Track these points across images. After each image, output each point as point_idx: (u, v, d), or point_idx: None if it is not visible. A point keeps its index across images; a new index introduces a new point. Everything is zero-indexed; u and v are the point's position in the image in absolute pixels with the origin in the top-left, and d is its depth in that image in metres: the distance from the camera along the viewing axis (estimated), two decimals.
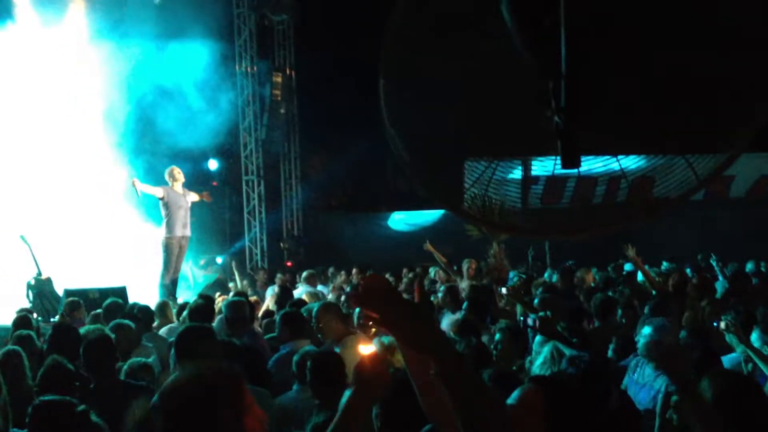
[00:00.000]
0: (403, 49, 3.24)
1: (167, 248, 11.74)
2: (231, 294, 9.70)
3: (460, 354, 2.42)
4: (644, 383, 4.34)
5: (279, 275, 12.89)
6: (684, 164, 2.87)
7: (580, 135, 2.96)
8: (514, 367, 4.77)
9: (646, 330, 4.27)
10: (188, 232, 11.92)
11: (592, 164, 3.18)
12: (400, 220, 18.69)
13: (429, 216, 17.92)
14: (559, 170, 3.43)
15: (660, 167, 3.11)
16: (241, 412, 2.08)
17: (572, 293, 8.66)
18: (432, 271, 12.34)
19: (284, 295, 8.92)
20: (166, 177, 11.88)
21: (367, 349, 2.35)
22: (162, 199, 11.66)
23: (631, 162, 3.15)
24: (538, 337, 5.10)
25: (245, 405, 2.10)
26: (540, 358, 4.05)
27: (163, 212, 11.78)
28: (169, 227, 11.71)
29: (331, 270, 13.38)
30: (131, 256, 13.17)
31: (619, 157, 3.13)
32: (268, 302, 9.41)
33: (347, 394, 2.34)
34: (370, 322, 2.20)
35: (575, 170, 3.38)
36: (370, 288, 1.96)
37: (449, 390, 1.89)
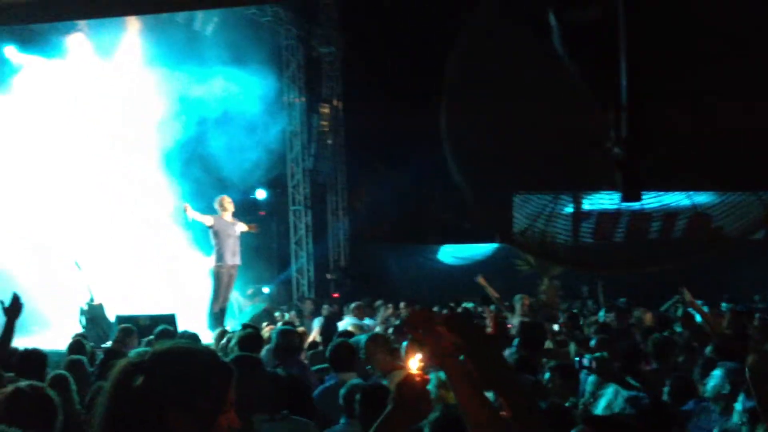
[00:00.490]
0: (462, 81, 3.25)
1: (217, 277, 11.82)
2: (278, 324, 9.70)
3: (529, 392, 2.40)
4: (709, 429, 4.19)
5: (326, 306, 12.87)
6: (756, 201, 2.80)
7: (641, 167, 2.89)
8: (567, 404, 4.66)
9: (718, 372, 4.14)
10: (238, 261, 11.98)
11: (659, 199, 3.11)
12: (449, 253, 18.60)
13: (477, 250, 17.80)
14: (619, 204, 3.37)
15: (725, 203, 3.03)
16: (218, 406, 2.03)
17: (628, 333, 8.44)
18: (469, 306, 12.25)
19: (330, 327, 8.90)
20: (216, 206, 11.99)
21: (414, 364, 2.32)
22: (211, 227, 11.76)
23: (699, 198, 3.08)
24: (591, 378, 4.97)
25: (225, 402, 2.06)
26: (602, 401, 3.94)
27: (213, 241, 11.88)
28: (219, 256, 11.79)
29: (378, 302, 13.36)
30: (180, 283, 13.31)
31: (690, 193, 3.07)
32: (315, 333, 9.41)
33: (386, 411, 2.30)
34: (417, 355, 2.20)
35: (637, 204, 3.31)
36: (452, 314, 2.02)
37: (517, 427, 1.86)
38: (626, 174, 2.90)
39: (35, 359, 5.73)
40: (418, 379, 2.29)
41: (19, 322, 12.58)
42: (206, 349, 2.22)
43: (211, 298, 11.79)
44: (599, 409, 3.97)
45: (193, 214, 11.66)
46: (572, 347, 6.67)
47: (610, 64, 2.70)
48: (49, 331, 12.36)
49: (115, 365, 2.01)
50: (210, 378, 2.04)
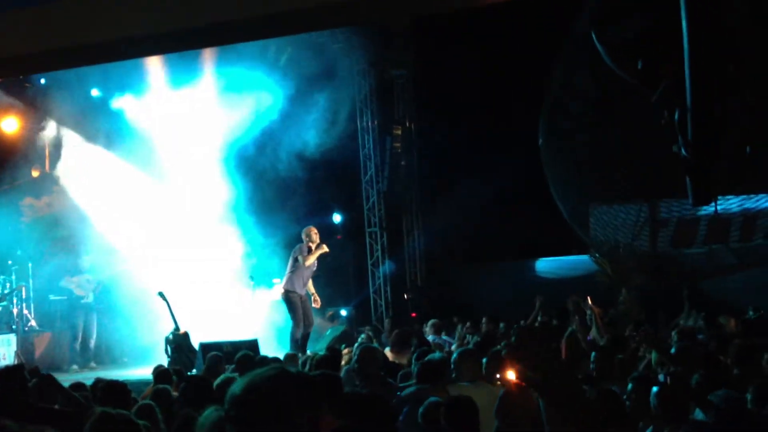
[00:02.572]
0: (554, 111, 3.32)
1: (290, 301, 11.97)
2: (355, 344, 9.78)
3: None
4: None
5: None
6: None
7: (711, 170, 2.81)
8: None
9: None
10: (304, 292, 12.16)
11: (740, 204, 3.06)
12: (525, 269, 18.30)
13: (554, 264, 17.54)
14: (696, 210, 3.33)
15: None
16: (314, 412, 2.07)
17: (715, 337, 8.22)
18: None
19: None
20: (303, 236, 12.22)
21: (512, 375, 2.34)
22: (295, 256, 12.01)
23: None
24: None
25: (317, 407, 2.10)
26: None
27: (290, 266, 12.07)
28: (290, 282, 11.98)
29: (455, 319, 13.33)
30: (261, 310, 13.58)
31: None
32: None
33: (494, 428, 2.31)
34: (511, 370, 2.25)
35: (710, 208, 3.26)
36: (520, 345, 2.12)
37: None
38: (695, 177, 2.83)
39: (118, 391, 5.91)
40: (519, 391, 2.30)
41: (112, 354, 13.07)
42: (278, 371, 2.26)
43: (293, 324, 11.95)
44: None
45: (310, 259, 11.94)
46: (654, 356, 6.48)
47: (667, 69, 2.67)
48: (139, 360, 12.81)
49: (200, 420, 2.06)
50: (296, 393, 2.10)
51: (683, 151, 2.87)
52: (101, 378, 7.04)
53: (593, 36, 2.73)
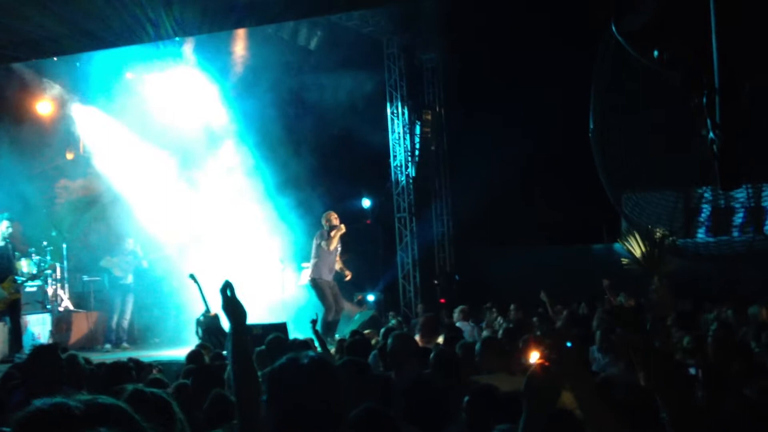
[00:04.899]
0: (602, 107, 3.32)
1: (318, 288, 12.02)
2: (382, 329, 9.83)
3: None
4: None
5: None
6: None
7: (738, 153, 2.76)
8: None
9: None
10: (331, 278, 12.20)
11: None
12: (555, 255, 18.21)
13: (584, 251, 17.43)
14: (730, 199, 3.30)
15: None
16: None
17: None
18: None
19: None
20: (323, 221, 12.25)
21: (535, 356, 2.38)
22: (320, 243, 12.05)
23: None
24: None
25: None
26: None
27: (314, 253, 12.13)
28: (317, 269, 12.03)
29: (487, 305, 13.31)
30: (291, 293, 13.66)
31: None
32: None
33: (525, 410, 2.36)
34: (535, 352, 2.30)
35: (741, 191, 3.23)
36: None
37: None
38: (723, 160, 2.78)
39: (121, 371, 6.00)
40: (543, 370, 2.34)
41: (143, 334, 13.18)
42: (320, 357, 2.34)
43: (325, 309, 12.01)
44: None
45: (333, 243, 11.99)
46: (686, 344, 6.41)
47: (685, 52, 2.63)
48: (170, 342, 12.96)
49: None
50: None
51: (711, 133, 2.82)
52: (133, 357, 7.16)
53: (613, 28, 2.70)
